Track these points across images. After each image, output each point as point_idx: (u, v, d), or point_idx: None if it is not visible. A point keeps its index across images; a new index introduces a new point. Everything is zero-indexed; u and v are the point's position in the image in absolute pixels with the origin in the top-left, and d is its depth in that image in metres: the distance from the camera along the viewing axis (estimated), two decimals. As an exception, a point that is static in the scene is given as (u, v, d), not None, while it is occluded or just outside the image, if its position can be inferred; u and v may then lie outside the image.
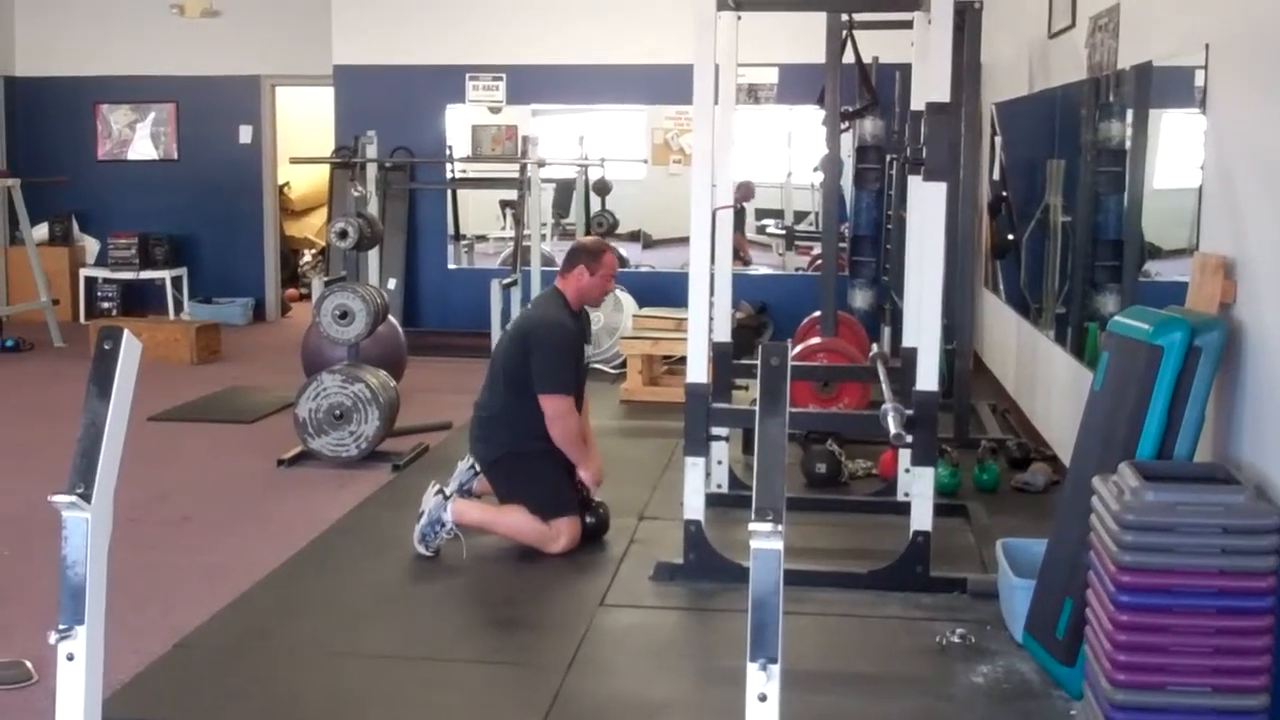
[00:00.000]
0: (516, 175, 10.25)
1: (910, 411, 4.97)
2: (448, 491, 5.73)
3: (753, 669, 2.46)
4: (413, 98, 11.60)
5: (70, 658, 2.77)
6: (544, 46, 11.24)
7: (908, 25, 6.64)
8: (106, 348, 2.84)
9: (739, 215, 11.25)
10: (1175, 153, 5.35)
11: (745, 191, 11.51)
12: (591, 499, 5.84)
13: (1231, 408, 4.11)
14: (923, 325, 5.18)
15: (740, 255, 11.47)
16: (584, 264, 5.84)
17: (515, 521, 5.68)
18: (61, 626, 2.76)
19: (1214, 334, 3.95)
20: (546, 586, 5.36)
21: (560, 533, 5.61)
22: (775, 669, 2.47)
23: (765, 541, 2.49)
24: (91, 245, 13.17)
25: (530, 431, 5.69)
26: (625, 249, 11.73)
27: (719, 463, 6.24)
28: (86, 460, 2.79)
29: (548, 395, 5.66)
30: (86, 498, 2.76)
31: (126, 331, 2.87)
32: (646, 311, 10.05)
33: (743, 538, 2.50)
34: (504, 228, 11.88)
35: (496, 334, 8.95)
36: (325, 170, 12.70)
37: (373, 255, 9.24)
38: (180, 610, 4.93)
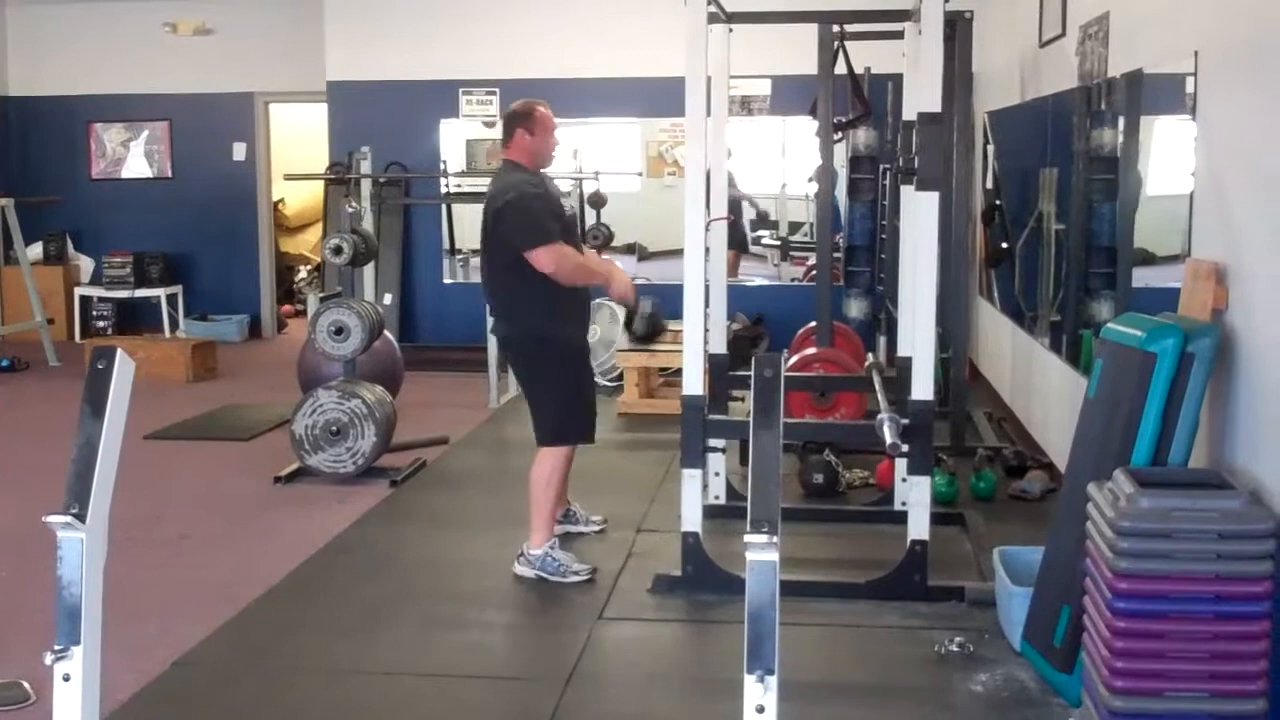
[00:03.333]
0: (511, 189, 10.22)
1: (906, 421, 4.97)
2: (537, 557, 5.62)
3: (750, 680, 2.46)
4: (406, 113, 11.61)
5: (67, 678, 2.76)
6: (537, 60, 11.24)
7: (899, 35, 6.65)
8: (100, 367, 2.84)
9: (738, 231, 11.32)
10: (1167, 159, 5.36)
11: (736, 202, 11.52)
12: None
13: (1225, 413, 4.11)
14: (917, 334, 5.18)
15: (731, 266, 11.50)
16: (520, 127, 5.63)
17: (541, 473, 5.58)
18: (57, 647, 2.76)
19: (1207, 340, 3.96)
20: (545, 600, 5.36)
21: (560, 454, 5.59)
22: (772, 680, 2.47)
23: (761, 553, 2.50)
24: (86, 264, 13.17)
25: (544, 309, 5.53)
26: (621, 262, 11.71)
27: (716, 474, 6.24)
28: (81, 480, 2.79)
29: (533, 250, 5.38)
30: (81, 517, 2.76)
31: (120, 350, 2.87)
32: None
33: (741, 549, 2.50)
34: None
35: (493, 349, 8.96)
36: (320, 187, 12.72)
37: (368, 271, 9.23)
38: (179, 628, 4.93)
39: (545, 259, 5.39)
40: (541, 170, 5.78)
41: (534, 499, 5.59)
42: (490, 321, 5.85)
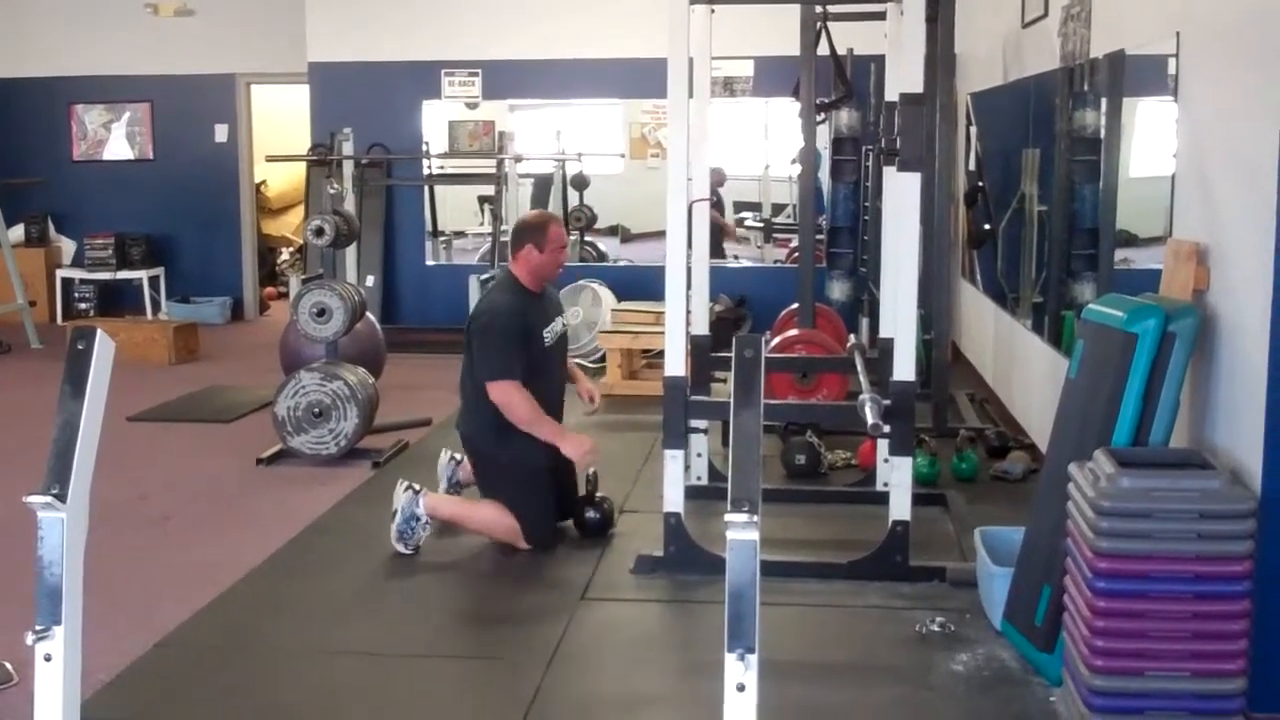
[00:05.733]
0: (494, 171, 10.24)
1: (888, 402, 4.98)
2: (420, 488, 5.70)
3: (731, 659, 2.47)
4: (388, 94, 11.57)
5: (48, 658, 2.76)
6: (520, 41, 11.22)
7: (881, 17, 6.64)
8: (80, 347, 2.84)
9: (717, 199, 11.31)
10: (1149, 141, 5.36)
11: (716, 177, 11.49)
12: (595, 493, 5.84)
13: (1206, 393, 4.13)
14: (899, 316, 5.19)
15: (727, 233, 11.50)
16: (530, 242, 5.68)
17: (486, 517, 5.68)
18: (38, 627, 2.76)
19: (1188, 320, 3.97)
20: (527, 580, 5.37)
21: (502, 525, 5.63)
22: (753, 659, 2.47)
23: (741, 532, 2.50)
24: (68, 246, 13.12)
25: (498, 427, 5.59)
26: (604, 243, 11.73)
27: (698, 455, 6.26)
28: (61, 460, 2.78)
29: (489, 381, 5.51)
30: (61, 498, 2.76)
31: (100, 331, 2.86)
32: (625, 306, 10.03)
33: (722, 529, 2.51)
34: (482, 223, 11.86)
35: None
36: (302, 168, 12.67)
37: (350, 252, 9.22)
38: (161, 609, 4.93)
39: (497, 393, 5.53)
40: (544, 281, 5.82)
41: (467, 515, 5.77)
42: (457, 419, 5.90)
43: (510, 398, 5.50)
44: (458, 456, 6.10)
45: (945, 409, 7.70)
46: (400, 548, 5.56)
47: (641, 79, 10.21)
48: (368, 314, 8.04)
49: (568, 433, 5.68)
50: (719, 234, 11.49)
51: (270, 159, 11.56)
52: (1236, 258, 3.96)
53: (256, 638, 4.78)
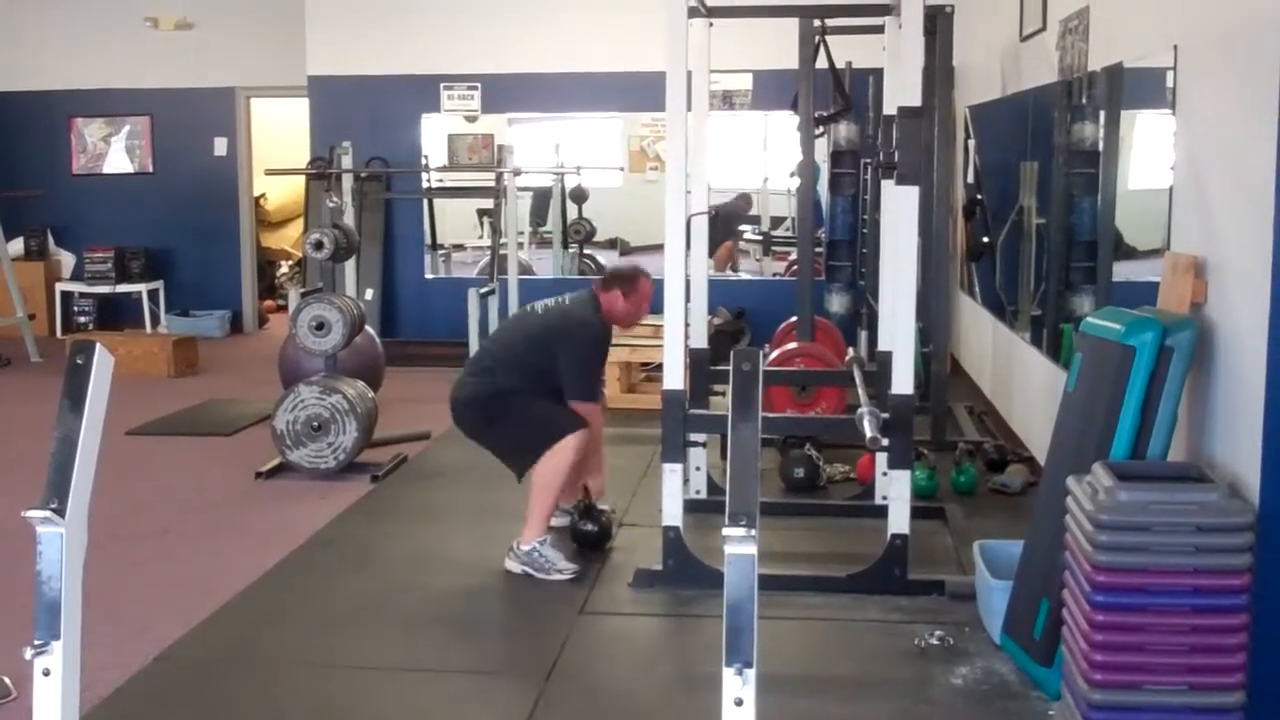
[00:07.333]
0: (493, 184, 10.24)
1: (887, 415, 4.98)
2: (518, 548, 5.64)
3: (728, 674, 2.46)
4: (388, 108, 11.59)
5: (46, 673, 2.75)
6: (519, 55, 11.25)
7: (880, 30, 6.66)
8: (79, 362, 2.83)
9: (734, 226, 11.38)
10: (1148, 153, 5.37)
11: (745, 203, 11.58)
12: (595, 505, 5.85)
13: (1204, 407, 4.13)
14: (898, 329, 5.19)
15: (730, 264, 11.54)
16: (619, 289, 5.83)
17: (546, 471, 5.58)
18: (37, 642, 2.75)
19: (1185, 333, 3.97)
20: (526, 594, 5.36)
21: (570, 444, 5.56)
22: (751, 673, 2.47)
23: (739, 546, 2.50)
24: (67, 259, 13.14)
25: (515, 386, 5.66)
26: (603, 256, 11.74)
27: (697, 469, 6.26)
28: (60, 475, 2.78)
29: (579, 400, 5.66)
30: (60, 512, 2.75)
31: (99, 345, 2.86)
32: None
33: (721, 543, 2.51)
34: (481, 236, 11.87)
35: (474, 344, 8.96)
36: (301, 181, 12.69)
37: (349, 266, 9.23)
38: (160, 623, 4.92)
39: (584, 411, 5.67)
40: (616, 327, 5.96)
41: (532, 497, 5.61)
42: (454, 388, 5.86)
43: (593, 418, 5.71)
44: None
45: (944, 422, 7.71)
46: (558, 576, 5.49)
47: (640, 92, 10.22)
48: (367, 327, 8.04)
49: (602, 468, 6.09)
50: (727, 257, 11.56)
51: (270, 172, 11.56)
52: (1234, 271, 3.96)
53: (255, 651, 4.78)
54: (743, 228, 11.91)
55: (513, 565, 5.56)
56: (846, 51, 8.13)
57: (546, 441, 5.55)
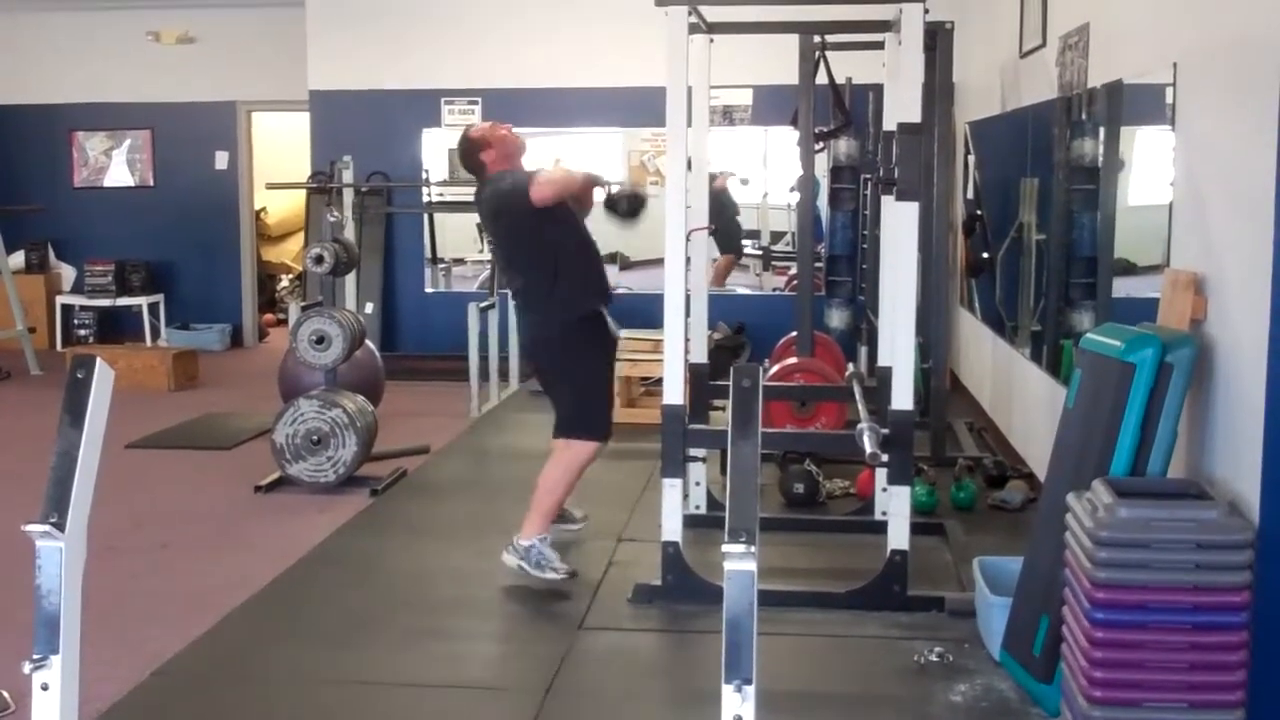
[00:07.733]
0: (493, 198, 10.21)
1: (886, 430, 4.98)
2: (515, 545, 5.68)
3: (728, 690, 2.46)
4: (388, 122, 11.60)
5: (45, 687, 2.75)
6: (519, 69, 11.26)
7: (879, 46, 6.67)
8: (79, 376, 2.84)
9: (732, 232, 11.34)
10: (1147, 170, 5.38)
11: (719, 181, 11.43)
12: None
13: (1203, 424, 4.13)
14: (897, 344, 5.20)
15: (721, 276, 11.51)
16: (481, 152, 5.81)
17: (553, 476, 5.66)
18: (36, 656, 2.75)
19: (1185, 350, 3.97)
20: (525, 609, 5.36)
21: (585, 453, 5.66)
22: (750, 690, 2.46)
23: (739, 562, 2.50)
24: (68, 272, 13.15)
25: (561, 303, 5.71)
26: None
27: (697, 484, 6.26)
28: (60, 489, 2.78)
29: (530, 191, 5.54)
30: (60, 526, 2.75)
31: (99, 359, 2.86)
32: (624, 333, 9.97)
33: (720, 559, 2.51)
34: (481, 251, 11.85)
35: (475, 358, 8.97)
36: (302, 195, 12.70)
37: (350, 280, 9.25)
38: (158, 637, 4.92)
39: (540, 190, 5.54)
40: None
41: (539, 494, 5.65)
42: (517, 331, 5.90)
43: (543, 179, 5.63)
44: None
45: (943, 438, 7.70)
46: (552, 575, 5.54)
47: (640, 107, 10.22)
48: (367, 341, 8.04)
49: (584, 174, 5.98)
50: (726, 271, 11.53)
51: (270, 186, 11.59)
52: (1234, 287, 3.97)
53: (254, 666, 4.77)
54: (745, 242, 11.90)
55: (509, 559, 5.58)
56: (846, 67, 8.14)
57: (574, 430, 5.66)
